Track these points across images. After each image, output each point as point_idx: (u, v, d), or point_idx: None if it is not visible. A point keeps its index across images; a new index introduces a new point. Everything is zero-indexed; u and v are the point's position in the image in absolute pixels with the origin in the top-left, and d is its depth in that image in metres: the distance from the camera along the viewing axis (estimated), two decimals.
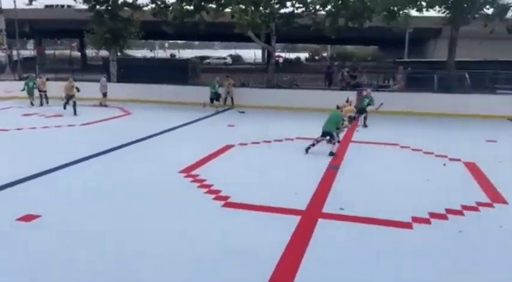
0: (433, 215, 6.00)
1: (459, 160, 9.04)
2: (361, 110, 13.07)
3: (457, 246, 5.15)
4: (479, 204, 6.46)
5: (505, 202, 6.58)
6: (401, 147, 10.36)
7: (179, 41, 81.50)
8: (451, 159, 9.13)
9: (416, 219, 5.82)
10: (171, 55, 67.85)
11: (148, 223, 5.73)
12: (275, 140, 10.95)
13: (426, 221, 5.81)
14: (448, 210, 6.16)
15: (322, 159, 8.99)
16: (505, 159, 9.15)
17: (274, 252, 4.85)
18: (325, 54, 68.97)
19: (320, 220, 5.87)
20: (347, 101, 11.18)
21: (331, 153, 9.26)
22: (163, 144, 10.80)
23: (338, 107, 9.77)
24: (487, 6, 16.49)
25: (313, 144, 9.45)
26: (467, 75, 17.17)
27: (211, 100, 16.02)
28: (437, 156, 9.46)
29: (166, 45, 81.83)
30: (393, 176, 8.12)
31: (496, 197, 6.79)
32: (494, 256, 4.90)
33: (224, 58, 55.03)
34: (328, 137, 9.34)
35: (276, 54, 28.38)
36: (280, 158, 9.39)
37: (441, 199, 6.62)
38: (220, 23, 18.73)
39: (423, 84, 17.37)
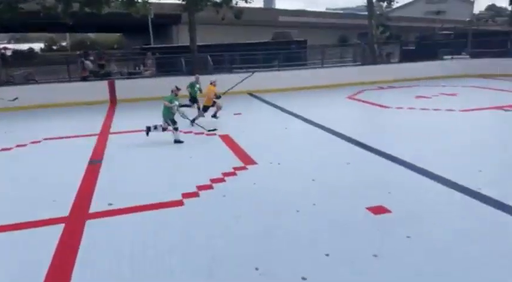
0: (201, 187, 6.37)
1: (215, 134, 9.91)
2: (194, 99, 12.40)
3: (222, 207, 5.65)
4: (236, 168, 7.26)
5: (255, 163, 7.59)
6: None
7: None
8: (207, 134, 9.89)
9: (186, 195, 6.05)
10: None
11: None
12: (17, 145, 9.39)
13: (194, 195, 6.11)
14: (213, 180, 6.66)
15: (82, 157, 8.27)
16: (247, 129, 10.59)
17: (38, 274, 4.13)
18: (64, 44, 63.35)
19: (88, 221, 5.36)
20: (211, 83, 10.96)
21: (175, 141, 9.12)
22: None
23: (172, 91, 9.28)
24: None
25: (150, 129, 9.19)
26: (209, 58, 18.82)
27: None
28: (196, 133, 10.09)
29: None
30: (156, 161, 8.18)
31: (247, 160, 7.76)
32: (251, 208, 5.58)
33: None
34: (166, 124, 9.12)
35: (1, 46, 23.97)
36: (32, 164, 8.14)
37: (205, 171, 7.09)
38: None
39: (172, 68, 18.14)
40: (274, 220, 5.24)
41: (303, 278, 3.94)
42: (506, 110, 11.66)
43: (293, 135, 9.93)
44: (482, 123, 10.75)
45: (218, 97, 11.13)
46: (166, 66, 18.52)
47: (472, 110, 11.89)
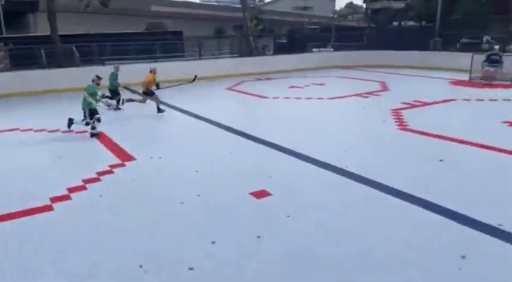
0: (73, 189, 5.80)
1: (86, 131, 9.11)
2: (115, 91, 11.37)
3: (99, 207, 5.23)
4: (113, 166, 6.78)
5: (133, 159, 7.19)
6: (22, 130, 9.42)
7: None
8: (78, 132, 9.06)
9: (55, 199, 5.45)
10: None
11: None
12: None
13: (66, 198, 5.53)
14: (85, 180, 6.12)
15: None
16: (124, 124, 10.01)
17: None
18: None
19: None
20: (151, 71, 10.74)
21: (92, 135, 8.66)
22: None
23: (93, 81, 8.91)
24: None
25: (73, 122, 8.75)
26: (75, 49, 17.27)
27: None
28: (63, 132, 9.17)
29: None
30: (19, 163, 7.25)
31: (124, 156, 7.32)
32: (131, 205, 5.28)
33: None
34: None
35: None
36: None
37: (77, 172, 6.49)
38: None
39: (30, 60, 16.22)
40: (157, 214, 5.04)
41: (190, 268, 3.86)
42: (365, 97, 13.11)
43: (174, 128, 9.71)
44: (347, 109, 11.91)
45: (157, 85, 10.86)
46: (22, 59, 16.45)
47: (338, 97, 13.07)
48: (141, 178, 6.32)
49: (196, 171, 6.52)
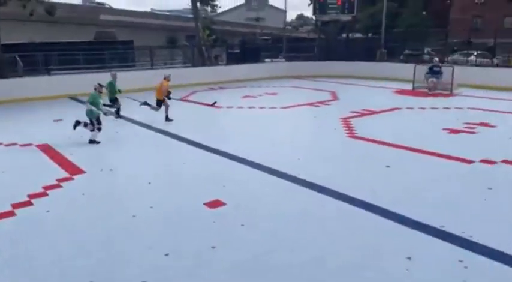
0: (17, 205, 5.50)
1: (31, 144, 8.71)
2: (114, 99, 11.14)
3: (46, 223, 5.01)
4: (60, 180, 6.51)
5: (83, 172, 6.93)
6: None
7: None
8: (22, 145, 8.63)
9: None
10: None
11: None
12: None
13: (9, 214, 5.24)
14: (31, 195, 5.82)
15: None
16: (71, 136, 9.64)
17: None
18: None
19: None
20: (165, 78, 10.93)
21: (90, 141, 8.67)
22: None
23: (95, 89, 8.80)
24: None
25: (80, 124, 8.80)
26: (18, 58, 16.45)
27: None
28: (7, 145, 8.69)
29: None
30: None
31: (73, 170, 7.04)
32: (81, 220, 5.09)
33: None
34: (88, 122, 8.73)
35: None
36: None
37: (22, 187, 6.17)
38: None
39: None
40: (108, 228, 4.90)
41: None
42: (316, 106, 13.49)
43: (126, 140, 9.47)
44: (299, 118, 12.19)
45: (169, 93, 10.95)
46: None
47: (291, 107, 13.35)
48: (91, 192, 6.12)
49: (149, 183, 6.41)
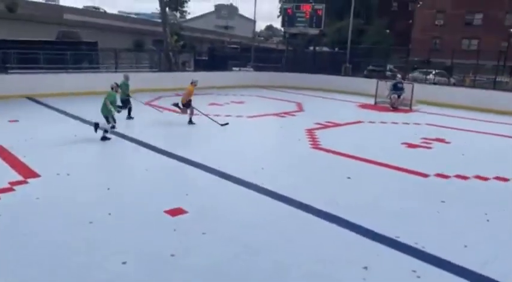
0: None
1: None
2: (126, 100, 11.23)
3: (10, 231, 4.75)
4: (13, 183, 6.21)
5: (37, 175, 6.65)
6: None
7: None
8: None
9: None
10: None
11: None
12: None
13: None
14: None
15: None
16: (27, 138, 9.24)
17: None
18: None
19: None
20: (192, 83, 11.44)
21: (103, 138, 9.03)
22: None
23: (112, 88, 9.25)
24: None
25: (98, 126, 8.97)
26: None
27: None
28: None
29: None
30: None
31: (28, 173, 6.74)
32: (35, 226, 4.88)
33: None
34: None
35: None
36: None
37: None
38: None
39: None
40: (63, 235, 4.71)
41: None
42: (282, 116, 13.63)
43: (85, 144, 9.16)
44: (265, 128, 12.28)
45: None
46: None
47: (257, 116, 13.43)
48: (46, 196, 5.87)
49: (108, 188, 6.24)
